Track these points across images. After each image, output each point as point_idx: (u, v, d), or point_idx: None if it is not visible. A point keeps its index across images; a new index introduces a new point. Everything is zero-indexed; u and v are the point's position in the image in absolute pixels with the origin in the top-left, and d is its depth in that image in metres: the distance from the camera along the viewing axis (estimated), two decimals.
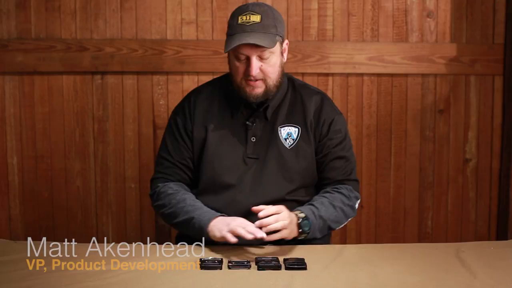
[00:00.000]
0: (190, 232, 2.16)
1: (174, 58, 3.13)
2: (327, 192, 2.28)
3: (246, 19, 2.18)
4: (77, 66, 3.12)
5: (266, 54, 2.18)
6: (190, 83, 3.12)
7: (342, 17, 3.16)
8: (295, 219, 2.10)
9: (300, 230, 2.11)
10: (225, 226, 2.07)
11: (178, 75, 3.15)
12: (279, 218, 2.04)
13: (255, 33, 2.15)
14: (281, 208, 2.08)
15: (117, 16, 3.12)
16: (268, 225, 2.01)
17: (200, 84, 2.63)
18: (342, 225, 2.29)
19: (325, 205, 2.21)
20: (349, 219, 2.31)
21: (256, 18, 2.18)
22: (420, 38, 3.19)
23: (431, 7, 3.18)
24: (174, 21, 3.13)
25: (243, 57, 2.19)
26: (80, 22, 3.12)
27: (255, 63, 2.18)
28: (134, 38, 3.13)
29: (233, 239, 2.03)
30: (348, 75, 3.19)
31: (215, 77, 2.50)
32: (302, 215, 2.12)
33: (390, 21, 3.18)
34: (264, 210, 2.04)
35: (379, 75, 3.19)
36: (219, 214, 2.14)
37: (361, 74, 3.19)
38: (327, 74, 3.18)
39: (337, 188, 2.29)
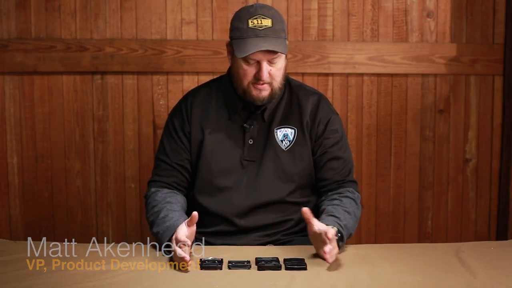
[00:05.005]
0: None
1: (174, 58, 3.13)
2: (336, 199, 2.23)
3: (258, 23, 2.16)
4: (77, 66, 3.12)
5: (276, 58, 2.18)
6: (190, 83, 3.12)
7: (342, 17, 3.16)
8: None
9: (340, 244, 2.04)
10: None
11: (178, 75, 3.15)
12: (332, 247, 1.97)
13: (269, 39, 2.15)
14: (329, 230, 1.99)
15: (117, 16, 3.12)
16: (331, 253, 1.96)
17: (200, 84, 2.63)
18: None
19: (342, 213, 2.15)
20: None
21: (267, 22, 2.17)
22: (420, 38, 3.18)
23: (431, 7, 3.17)
24: (174, 21, 3.13)
25: (252, 61, 2.18)
26: (80, 22, 3.12)
27: (266, 67, 2.16)
28: (134, 38, 3.13)
29: (186, 256, 1.92)
30: (348, 75, 3.19)
31: (215, 77, 2.50)
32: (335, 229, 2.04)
33: (390, 21, 3.18)
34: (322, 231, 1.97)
35: (379, 75, 3.19)
36: (173, 232, 2.03)
37: (361, 74, 3.19)
38: (327, 74, 3.18)
39: (342, 193, 2.26)
